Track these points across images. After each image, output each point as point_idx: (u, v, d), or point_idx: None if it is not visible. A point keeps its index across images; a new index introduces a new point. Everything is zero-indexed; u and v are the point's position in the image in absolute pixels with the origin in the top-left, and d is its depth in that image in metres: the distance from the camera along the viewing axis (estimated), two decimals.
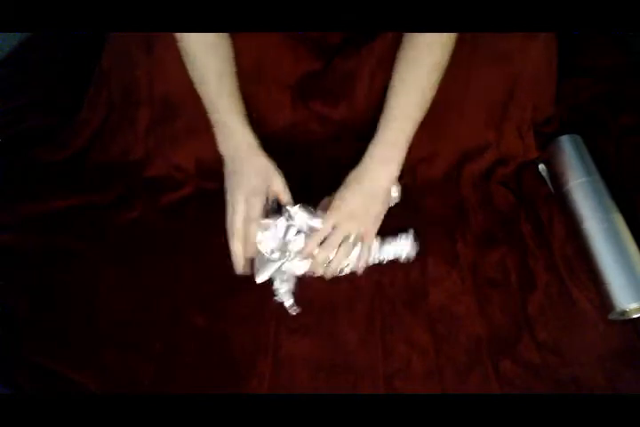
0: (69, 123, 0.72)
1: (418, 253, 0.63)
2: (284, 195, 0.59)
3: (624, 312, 0.57)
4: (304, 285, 0.60)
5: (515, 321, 0.58)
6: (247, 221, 0.57)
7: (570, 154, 0.69)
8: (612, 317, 0.58)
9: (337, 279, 0.61)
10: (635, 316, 0.57)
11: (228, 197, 0.58)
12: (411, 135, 0.60)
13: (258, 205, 0.57)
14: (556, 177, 0.70)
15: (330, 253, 0.57)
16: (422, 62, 0.59)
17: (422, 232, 0.66)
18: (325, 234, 0.57)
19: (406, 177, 0.62)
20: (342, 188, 0.59)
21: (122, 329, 0.56)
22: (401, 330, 0.57)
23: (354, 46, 0.69)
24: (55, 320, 0.56)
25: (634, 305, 0.56)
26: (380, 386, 0.53)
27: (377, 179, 0.59)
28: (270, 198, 0.60)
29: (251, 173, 0.58)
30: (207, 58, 0.60)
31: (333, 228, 0.57)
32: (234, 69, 0.62)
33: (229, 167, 0.60)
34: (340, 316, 0.58)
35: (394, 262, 0.63)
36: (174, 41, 0.64)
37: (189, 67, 0.61)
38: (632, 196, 0.66)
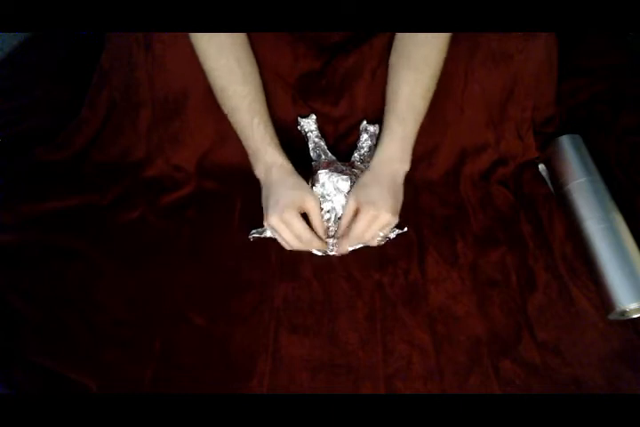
0: (69, 123, 0.72)
1: (418, 253, 0.63)
2: (315, 217, 0.59)
3: (624, 312, 0.57)
4: (304, 285, 0.61)
5: (515, 321, 0.58)
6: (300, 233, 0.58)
7: (570, 154, 0.69)
8: (611, 317, 0.58)
9: (337, 279, 0.61)
10: (635, 316, 0.57)
11: (267, 225, 0.59)
12: (414, 128, 0.62)
13: (294, 220, 0.57)
14: (556, 177, 0.70)
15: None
16: (424, 56, 0.61)
17: (422, 232, 0.66)
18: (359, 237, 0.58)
19: (406, 176, 0.63)
20: (359, 190, 0.58)
21: (122, 329, 0.56)
22: (401, 330, 0.57)
23: (354, 44, 0.69)
24: (55, 320, 0.55)
25: (634, 305, 0.56)
26: (381, 386, 0.53)
27: (386, 172, 0.60)
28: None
29: (281, 192, 0.58)
30: (234, 85, 0.61)
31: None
32: (260, 88, 0.63)
33: (264, 192, 0.60)
34: (340, 316, 0.58)
35: (394, 263, 0.63)
36: (173, 40, 0.65)
37: (218, 95, 0.63)
38: (632, 196, 0.66)
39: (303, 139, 0.71)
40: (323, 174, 0.61)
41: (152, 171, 0.71)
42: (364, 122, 0.71)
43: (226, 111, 0.63)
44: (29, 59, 0.81)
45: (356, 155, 0.69)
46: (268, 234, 0.62)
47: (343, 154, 0.70)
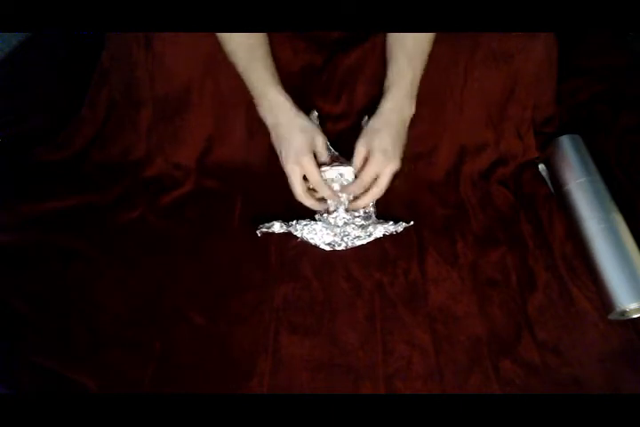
0: (69, 123, 0.71)
1: (418, 253, 0.63)
2: (322, 155, 0.61)
3: (624, 312, 0.57)
4: (304, 285, 0.61)
5: (515, 321, 0.58)
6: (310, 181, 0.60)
7: (570, 154, 0.69)
8: (612, 317, 0.58)
9: (337, 279, 0.61)
10: (635, 316, 0.57)
11: (284, 167, 0.61)
12: (420, 73, 0.63)
13: (310, 165, 0.59)
14: (556, 177, 0.70)
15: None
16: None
17: (422, 232, 0.66)
18: (367, 184, 0.61)
19: (406, 177, 0.63)
20: (370, 136, 0.60)
21: (121, 329, 0.56)
22: (401, 330, 0.57)
23: (355, 42, 0.69)
24: (55, 320, 0.55)
25: (634, 305, 0.56)
26: (381, 386, 0.53)
27: (394, 118, 0.61)
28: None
29: (293, 134, 0.60)
30: (240, 39, 0.61)
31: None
32: (266, 41, 0.64)
33: (274, 135, 0.62)
34: (340, 316, 0.58)
35: (394, 263, 0.63)
36: (174, 39, 0.65)
37: (224, 46, 0.62)
38: (632, 196, 0.66)
39: None
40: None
41: (152, 170, 0.71)
42: (366, 117, 0.71)
43: (230, 59, 0.63)
44: (29, 59, 0.81)
45: None
46: (276, 229, 0.62)
47: (345, 150, 0.70)
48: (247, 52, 0.62)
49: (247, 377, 0.53)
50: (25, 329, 0.54)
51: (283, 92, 0.62)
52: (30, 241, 0.61)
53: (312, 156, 0.59)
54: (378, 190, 0.61)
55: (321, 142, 0.61)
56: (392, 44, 0.64)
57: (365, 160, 0.60)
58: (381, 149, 0.59)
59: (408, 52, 0.62)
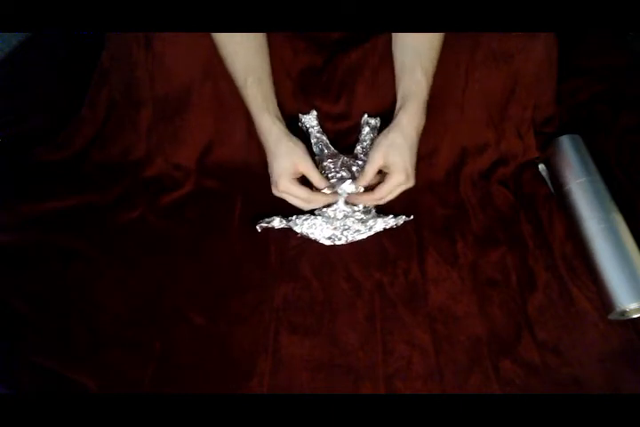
0: (69, 123, 0.71)
1: (418, 253, 0.63)
2: (313, 176, 0.60)
3: (624, 312, 0.57)
4: (304, 285, 0.61)
5: (515, 321, 0.58)
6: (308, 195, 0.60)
7: (570, 154, 0.69)
8: (612, 317, 0.58)
9: (337, 279, 0.61)
10: (635, 316, 0.57)
11: (275, 193, 0.61)
12: (431, 77, 0.62)
13: (292, 187, 0.59)
14: (556, 177, 0.70)
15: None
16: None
17: (422, 232, 0.66)
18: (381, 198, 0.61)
19: None
20: (390, 149, 0.59)
21: (121, 329, 0.56)
22: (401, 330, 0.57)
23: (356, 42, 0.69)
24: (55, 320, 0.55)
25: (634, 305, 0.56)
26: (381, 386, 0.53)
27: (413, 132, 0.61)
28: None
29: (276, 158, 0.60)
30: (237, 47, 0.61)
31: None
32: (264, 56, 0.63)
33: (267, 157, 0.62)
34: (340, 316, 0.58)
35: (394, 263, 0.63)
36: (174, 39, 0.65)
37: (223, 56, 0.62)
38: (632, 196, 0.66)
39: (304, 134, 0.71)
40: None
41: (152, 170, 0.71)
42: (365, 115, 0.71)
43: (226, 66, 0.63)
44: (29, 59, 0.81)
45: (358, 148, 0.69)
46: (276, 224, 0.63)
47: (344, 150, 0.70)
48: (244, 69, 0.61)
49: (247, 377, 0.53)
50: (25, 329, 0.54)
51: (272, 117, 0.61)
52: (30, 241, 0.61)
53: (291, 178, 0.59)
54: (384, 200, 0.61)
55: (308, 164, 0.60)
56: (406, 52, 0.63)
57: (378, 171, 0.60)
58: (403, 167, 0.58)
59: (424, 63, 0.62)
